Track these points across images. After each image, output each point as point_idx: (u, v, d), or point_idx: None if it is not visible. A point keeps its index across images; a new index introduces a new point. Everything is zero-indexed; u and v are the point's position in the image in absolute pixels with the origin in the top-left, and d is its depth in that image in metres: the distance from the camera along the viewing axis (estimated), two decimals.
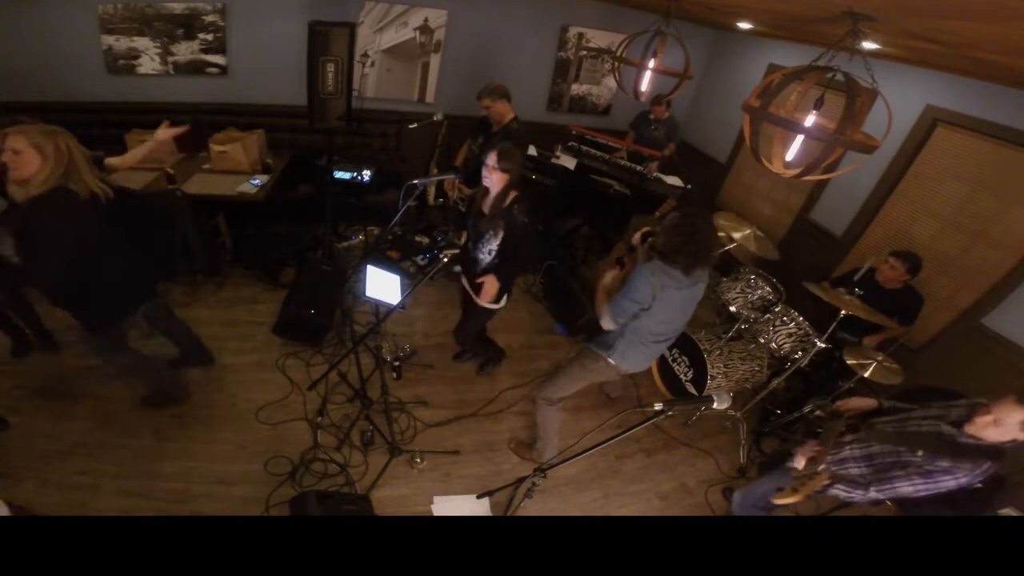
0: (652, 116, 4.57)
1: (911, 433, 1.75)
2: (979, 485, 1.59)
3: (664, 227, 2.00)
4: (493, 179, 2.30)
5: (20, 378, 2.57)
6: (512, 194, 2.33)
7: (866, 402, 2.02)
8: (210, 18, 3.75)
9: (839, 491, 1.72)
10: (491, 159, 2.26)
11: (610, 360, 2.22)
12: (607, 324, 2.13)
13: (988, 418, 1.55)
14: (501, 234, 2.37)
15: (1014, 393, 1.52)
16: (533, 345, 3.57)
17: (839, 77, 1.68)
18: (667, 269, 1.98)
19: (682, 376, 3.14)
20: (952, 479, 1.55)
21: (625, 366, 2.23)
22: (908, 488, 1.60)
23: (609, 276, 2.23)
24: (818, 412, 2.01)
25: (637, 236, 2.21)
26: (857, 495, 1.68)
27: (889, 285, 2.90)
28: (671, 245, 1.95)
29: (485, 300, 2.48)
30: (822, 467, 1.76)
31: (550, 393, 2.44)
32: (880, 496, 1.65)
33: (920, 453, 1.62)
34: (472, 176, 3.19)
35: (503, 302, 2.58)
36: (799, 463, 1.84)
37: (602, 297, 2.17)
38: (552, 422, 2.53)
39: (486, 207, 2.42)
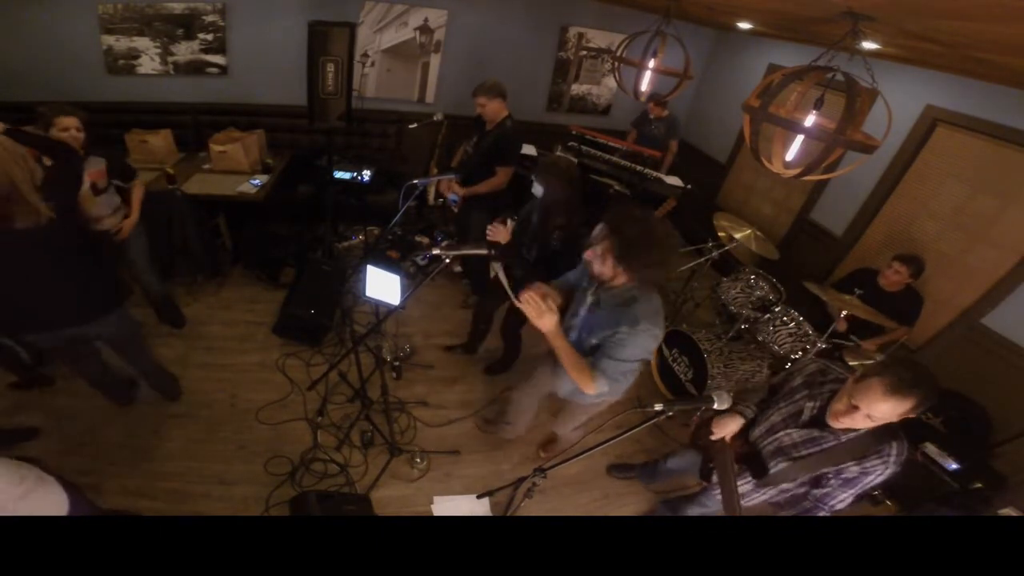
0: (651, 116, 4.59)
1: (789, 448, 1.59)
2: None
3: (623, 242, 1.58)
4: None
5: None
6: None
7: (735, 423, 1.74)
8: (210, 18, 3.75)
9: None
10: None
11: (611, 398, 1.94)
12: (598, 389, 1.70)
13: (859, 414, 1.36)
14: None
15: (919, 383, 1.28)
16: (536, 345, 3.56)
17: (839, 77, 1.67)
18: (652, 300, 1.63)
19: (682, 376, 3.14)
20: (874, 477, 1.42)
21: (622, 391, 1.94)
22: (840, 505, 1.49)
23: (555, 328, 1.67)
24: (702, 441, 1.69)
25: None
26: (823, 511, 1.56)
27: (891, 289, 2.89)
28: (641, 261, 1.56)
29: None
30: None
31: (569, 427, 2.29)
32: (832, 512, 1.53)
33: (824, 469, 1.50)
34: (467, 176, 3.19)
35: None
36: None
37: (573, 359, 1.70)
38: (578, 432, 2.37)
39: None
